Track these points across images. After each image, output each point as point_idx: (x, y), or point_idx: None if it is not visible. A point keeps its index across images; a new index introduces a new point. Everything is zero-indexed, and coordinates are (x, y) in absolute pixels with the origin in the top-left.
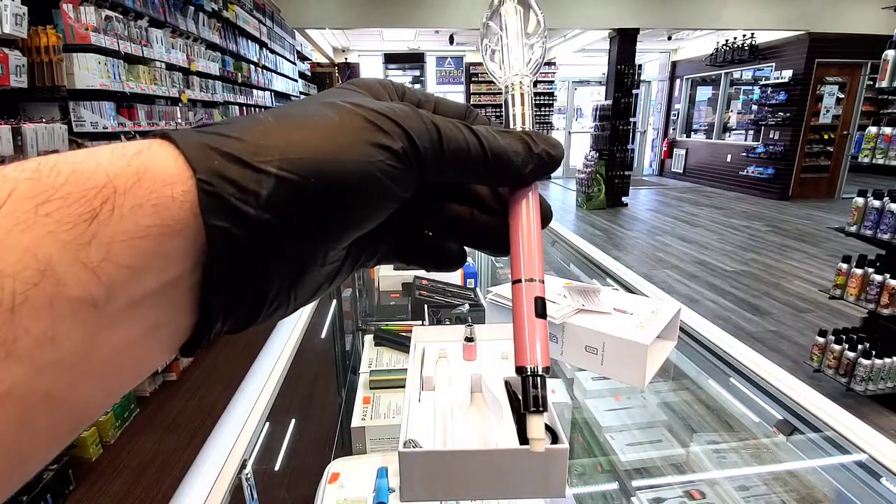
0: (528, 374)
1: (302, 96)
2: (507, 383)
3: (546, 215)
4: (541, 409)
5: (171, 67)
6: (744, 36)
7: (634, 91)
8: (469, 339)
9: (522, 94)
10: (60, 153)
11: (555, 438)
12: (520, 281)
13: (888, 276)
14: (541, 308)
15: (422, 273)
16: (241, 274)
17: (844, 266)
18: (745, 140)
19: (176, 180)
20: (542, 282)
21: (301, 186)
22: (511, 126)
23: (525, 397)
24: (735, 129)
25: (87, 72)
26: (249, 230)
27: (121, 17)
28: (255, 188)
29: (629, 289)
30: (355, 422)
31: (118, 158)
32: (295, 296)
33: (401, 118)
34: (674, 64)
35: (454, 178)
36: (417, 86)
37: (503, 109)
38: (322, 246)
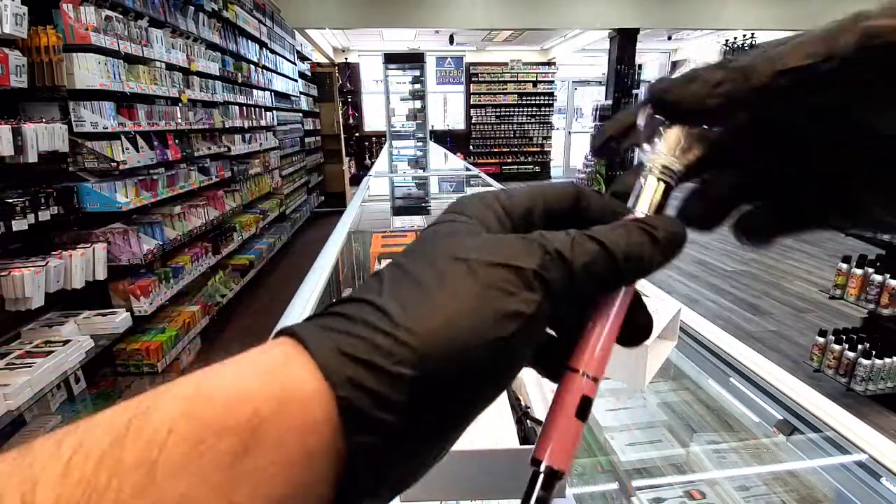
0: (542, 470)
1: (302, 96)
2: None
3: (644, 325)
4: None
5: (171, 67)
6: (744, 36)
7: (634, 91)
8: None
9: (662, 184)
10: (206, 371)
11: None
12: (577, 371)
13: (888, 276)
14: (584, 409)
15: None
16: (378, 477)
17: (844, 266)
18: None
19: (315, 398)
20: (597, 382)
21: (439, 383)
22: (632, 202)
23: (528, 494)
24: None
25: (87, 72)
26: (387, 438)
27: (121, 17)
28: (393, 395)
29: None
30: None
31: (259, 379)
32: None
33: (534, 263)
34: (674, 64)
35: (583, 302)
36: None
37: (637, 181)
38: (459, 430)
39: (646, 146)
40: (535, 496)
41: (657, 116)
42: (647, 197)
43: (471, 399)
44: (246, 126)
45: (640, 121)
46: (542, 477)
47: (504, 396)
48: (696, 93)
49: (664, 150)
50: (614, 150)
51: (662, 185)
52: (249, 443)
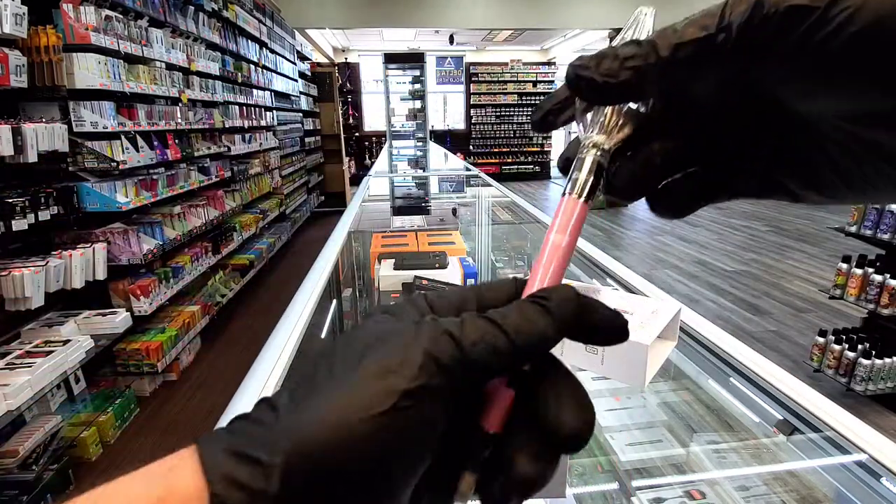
0: (482, 434)
1: (302, 96)
2: None
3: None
4: (474, 472)
5: (171, 67)
6: None
7: None
8: None
9: (594, 162)
10: (113, 481)
11: None
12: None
13: (888, 276)
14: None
15: (421, 272)
16: None
17: (844, 266)
18: None
19: (194, 496)
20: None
21: (315, 471)
22: (568, 190)
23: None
24: None
25: (87, 72)
26: None
27: (121, 16)
28: (266, 487)
29: (629, 289)
30: None
31: (148, 483)
32: None
33: (422, 344)
34: None
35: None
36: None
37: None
38: None
39: (581, 122)
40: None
41: None
42: (580, 178)
43: (355, 489)
44: (246, 126)
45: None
46: (482, 440)
47: None
48: (608, 69)
49: (595, 127)
50: (553, 123)
51: (595, 165)
52: None
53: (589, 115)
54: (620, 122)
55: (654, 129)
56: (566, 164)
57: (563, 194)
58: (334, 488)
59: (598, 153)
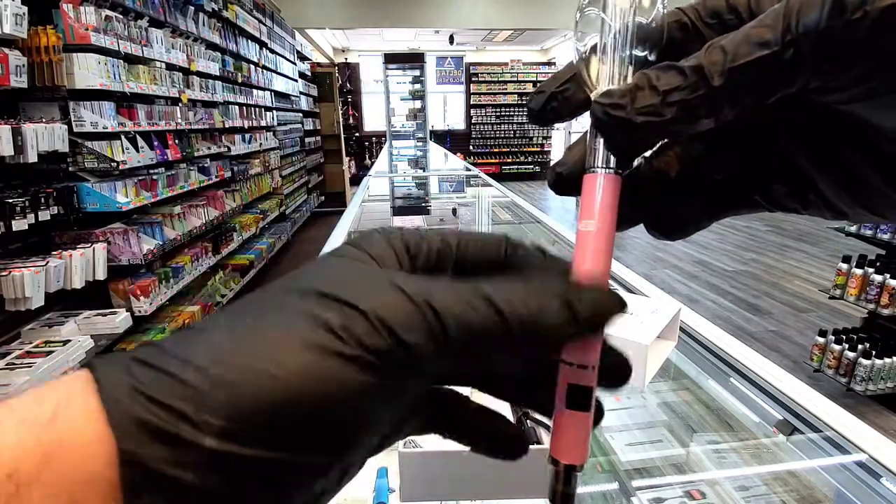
0: (560, 468)
1: (302, 96)
2: None
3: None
4: None
5: (171, 67)
6: None
7: None
8: None
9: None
10: None
11: None
12: (562, 361)
13: (888, 276)
14: (576, 398)
15: None
16: None
17: (844, 266)
18: None
19: (95, 451)
20: (587, 368)
21: (252, 438)
22: (591, 163)
23: (553, 491)
24: None
25: (87, 72)
26: (181, 500)
27: (121, 17)
28: (194, 447)
29: (629, 289)
30: None
31: (27, 431)
32: None
33: (381, 311)
34: None
35: (470, 365)
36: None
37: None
38: (293, 491)
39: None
40: (554, 491)
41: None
42: (601, 146)
43: (297, 463)
44: (246, 126)
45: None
46: (554, 472)
47: None
48: (647, 108)
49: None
50: (558, 112)
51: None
52: None
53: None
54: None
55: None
56: (559, 182)
57: (585, 173)
58: (270, 453)
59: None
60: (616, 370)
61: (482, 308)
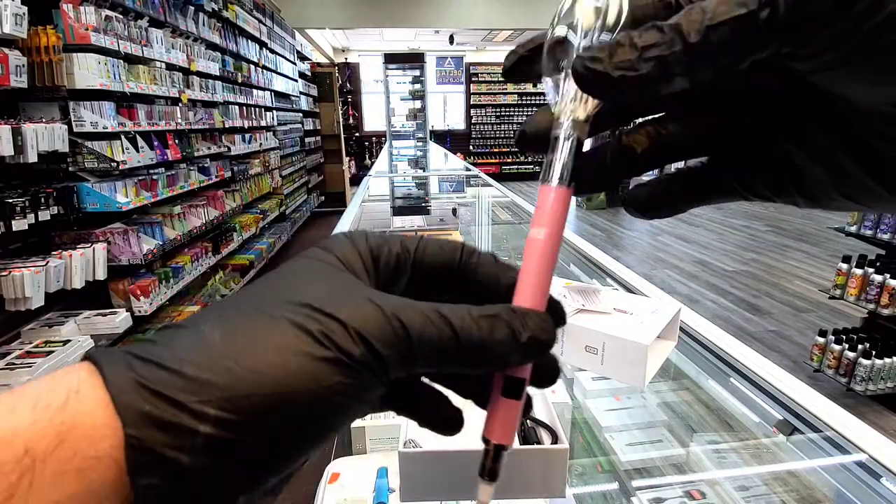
0: (490, 447)
1: (302, 96)
2: None
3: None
4: (491, 480)
5: (171, 67)
6: None
7: None
8: None
9: (572, 140)
10: None
11: (555, 438)
12: None
13: (888, 276)
14: (510, 389)
15: None
16: None
17: (844, 266)
18: None
19: (103, 434)
20: (528, 366)
21: (243, 426)
22: (546, 176)
23: (482, 463)
24: None
25: (87, 72)
26: (183, 479)
27: (121, 17)
28: (192, 436)
29: (629, 289)
30: (355, 422)
31: (41, 415)
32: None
33: (357, 323)
34: None
35: (426, 372)
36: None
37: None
38: (271, 472)
39: (552, 81)
40: (486, 467)
41: (561, 45)
42: (556, 160)
43: (279, 446)
44: (246, 126)
45: (546, 48)
46: (485, 450)
47: None
48: (624, 61)
49: (569, 95)
50: (527, 73)
51: (573, 144)
52: (16, 484)
53: (561, 77)
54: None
55: (650, 108)
56: (524, 139)
57: (540, 182)
58: (255, 445)
59: (575, 128)
60: (548, 370)
61: (442, 327)
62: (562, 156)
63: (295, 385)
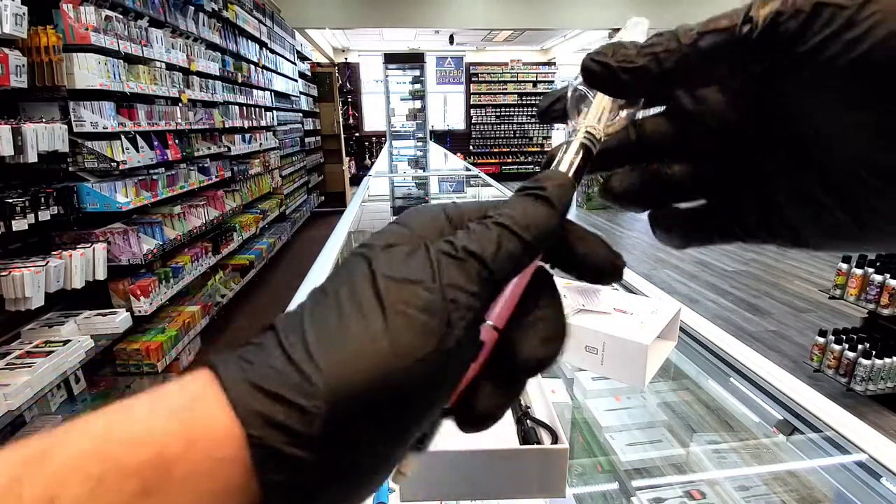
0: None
1: (302, 96)
2: None
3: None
4: (421, 449)
5: (171, 67)
6: None
7: None
8: None
9: (582, 144)
10: (119, 406)
11: (555, 438)
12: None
13: (888, 276)
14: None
15: None
16: None
17: (844, 266)
18: None
19: (226, 436)
20: (497, 331)
21: (353, 416)
22: (553, 167)
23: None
24: None
25: (87, 72)
26: (301, 474)
27: (121, 17)
28: (306, 431)
29: (629, 289)
30: None
31: (168, 417)
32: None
33: (453, 296)
34: None
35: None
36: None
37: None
38: (390, 454)
39: (574, 114)
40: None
41: (581, 88)
42: (567, 157)
43: (392, 425)
44: (246, 126)
45: (570, 92)
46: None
47: None
48: (625, 55)
49: (588, 115)
50: (559, 113)
51: (582, 147)
52: (152, 484)
53: (583, 107)
54: (614, 114)
55: (664, 148)
56: (547, 109)
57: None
58: (371, 426)
59: (588, 137)
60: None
61: (498, 233)
62: (570, 154)
63: (402, 370)
